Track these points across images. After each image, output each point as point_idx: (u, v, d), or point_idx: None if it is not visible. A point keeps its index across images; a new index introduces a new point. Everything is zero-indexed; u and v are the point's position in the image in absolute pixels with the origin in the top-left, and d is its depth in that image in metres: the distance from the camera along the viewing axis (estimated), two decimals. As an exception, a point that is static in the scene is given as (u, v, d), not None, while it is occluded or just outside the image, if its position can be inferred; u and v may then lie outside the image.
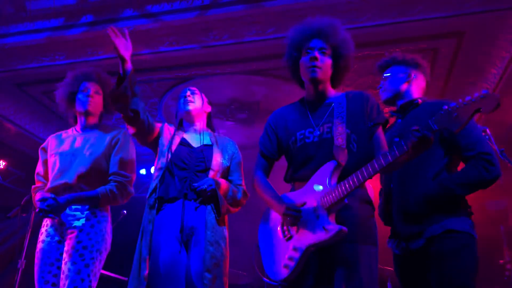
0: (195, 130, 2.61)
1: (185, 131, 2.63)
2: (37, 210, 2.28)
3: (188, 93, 2.65)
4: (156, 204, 2.33)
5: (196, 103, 2.63)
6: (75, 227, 2.26)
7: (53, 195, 2.29)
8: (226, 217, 2.49)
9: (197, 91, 2.69)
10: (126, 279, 4.82)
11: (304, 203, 1.82)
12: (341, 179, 1.75)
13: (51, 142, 2.59)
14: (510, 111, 4.99)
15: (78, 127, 2.61)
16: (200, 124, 2.64)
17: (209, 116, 2.75)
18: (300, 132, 1.95)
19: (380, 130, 1.90)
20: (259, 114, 5.74)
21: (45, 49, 4.57)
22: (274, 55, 4.43)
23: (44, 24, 4.36)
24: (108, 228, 2.38)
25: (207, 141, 2.57)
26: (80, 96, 2.57)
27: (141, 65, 4.82)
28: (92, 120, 2.61)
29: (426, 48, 4.38)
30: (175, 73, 5.01)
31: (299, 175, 1.92)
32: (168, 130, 2.60)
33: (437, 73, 4.75)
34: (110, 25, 4.21)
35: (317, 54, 1.94)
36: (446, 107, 1.54)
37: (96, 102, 2.58)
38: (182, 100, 2.63)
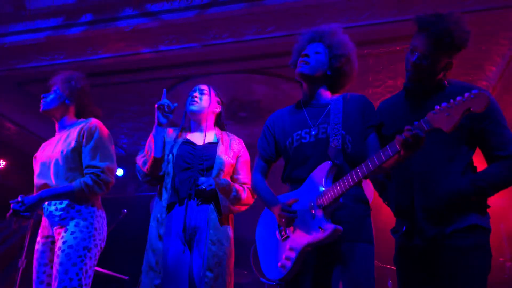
0: (201, 129, 2.60)
1: (191, 130, 2.63)
2: (10, 212, 2.28)
3: (196, 93, 2.63)
4: (164, 214, 2.34)
5: (202, 103, 2.60)
6: (62, 227, 2.26)
7: (22, 195, 2.33)
8: (232, 216, 2.48)
9: (206, 91, 2.65)
10: (126, 278, 4.83)
11: (300, 203, 1.84)
12: (336, 179, 1.77)
13: (40, 150, 2.62)
14: (510, 109, 5.00)
15: (56, 130, 2.63)
16: (207, 123, 2.61)
17: (219, 116, 2.71)
18: (297, 132, 1.98)
19: (374, 133, 1.93)
20: (260, 112, 5.73)
21: (45, 48, 4.57)
22: (274, 53, 4.43)
23: (43, 23, 4.36)
24: (97, 223, 2.34)
25: (212, 139, 2.56)
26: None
27: (141, 64, 4.82)
28: (61, 120, 2.58)
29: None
30: (175, 72, 5.01)
31: (295, 175, 1.95)
32: (170, 134, 2.59)
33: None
34: (109, 24, 4.23)
35: (309, 53, 2.01)
36: (438, 107, 1.55)
37: (50, 100, 2.55)
38: (189, 98, 2.62)
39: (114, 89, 5.34)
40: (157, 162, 2.40)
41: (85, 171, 2.36)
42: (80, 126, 2.48)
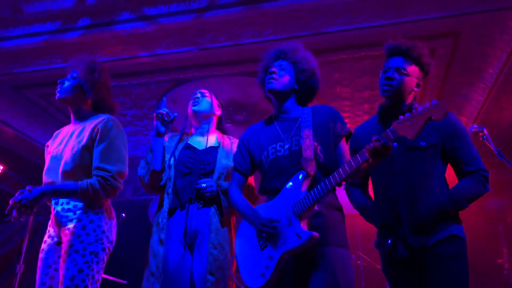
0: (202, 133, 2.61)
1: (193, 134, 2.64)
2: (13, 206, 2.17)
3: (198, 95, 2.66)
4: (165, 219, 2.35)
5: (202, 105, 2.62)
6: (68, 229, 2.17)
7: (31, 185, 2.20)
8: (233, 220, 2.48)
9: (207, 94, 2.69)
10: (125, 282, 4.81)
11: (277, 213, 1.90)
12: (310, 188, 1.84)
13: (52, 138, 2.49)
14: (506, 111, 5.02)
15: (71, 121, 2.48)
16: (207, 126, 2.63)
17: (219, 119, 2.73)
18: (272, 146, 2.06)
19: (343, 142, 2.02)
20: (257, 115, 5.74)
21: (42, 52, 4.57)
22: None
23: (41, 27, 4.36)
24: (105, 226, 2.24)
25: (213, 143, 2.56)
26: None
27: (138, 68, 4.82)
28: (77, 108, 2.43)
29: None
30: (172, 75, 5.01)
31: (271, 186, 2.01)
32: (170, 140, 2.60)
33: (434, 73, 4.76)
34: (107, 28, 4.24)
35: (275, 69, 2.12)
36: (402, 117, 1.68)
37: (67, 88, 2.38)
38: (191, 102, 2.65)
39: (111, 93, 5.35)
40: (157, 175, 2.40)
41: (93, 172, 2.24)
42: (95, 122, 2.33)
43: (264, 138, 2.13)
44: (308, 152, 1.93)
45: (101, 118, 2.35)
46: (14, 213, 2.19)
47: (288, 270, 1.87)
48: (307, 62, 2.14)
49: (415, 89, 2.16)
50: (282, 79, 2.11)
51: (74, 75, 2.42)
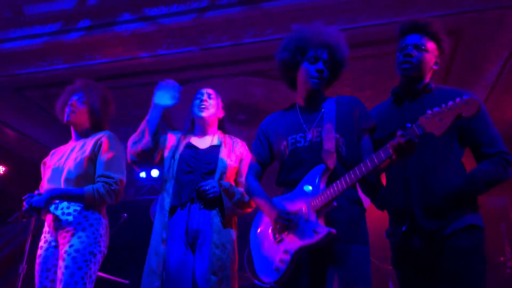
0: (205, 133, 2.61)
1: (195, 134, 2.63)
2: (23, 209, 2.28)
3: (205, 96, 2.61)
4: (166, 218, 2.34)
5: (211, 109, 2.60)
6: (68, 231, 2.27)
7: (38, 191, 2.35)
8: (235, 220, 2.48)
9: (213, 95, 2.65)
10: (127, 282, 4.82)
11: (294, 206, 1.85)
12: (330, 181, 1.79)
13: (50, 156, 2.62)
14: (508, 109, 5.01)
15: (72, 138, 2.64)
16: (211, 128, 2.63)
17: (221, 121, 2.72)
18: (292, 136, 1.99)
19: (367, 135, 1.96)
20: (259, 115, 5.73)
21: (43, 53, 4.57)
22: (273, 56, 4.43)
23: (41, 29, 4.36)
24: (102, 229, 2.36)
25: (215, 142, 2.56)
26: (66, 108, 2.60)
27: (139, 68, 4.82)
28: (81, 129, 2.60)
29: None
30: (173, 76, 4.97)
31: (290, 178, 1.96)
32: (171, 140, 2.59)
33: (435, 71, 4.75)
34: (107, 29, 4.24)
35: (322, 67, 1.99)
36: (430, 111, 1.60)
37: (78, 113, 2.56)
38: (197, 102, 2.61)
39: (112, 94, 5.32)
40: (152, 139, 2.45)
41: (98, 179, 2.38)
42: (97, 136, 2.51)
43: (284, 128, 2.06)
44: (329, 145, 1.86)
45: (102, 132, 2.54)
46: (17, 219, 2.30)
47: (304, 265, 1.81)
48: (346, 62, 2.08)
49: (434, 67, 2.06)
50: (326, 79, 2.03)
51: (85, 99, 2.59)
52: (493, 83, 4.67)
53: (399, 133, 1.60)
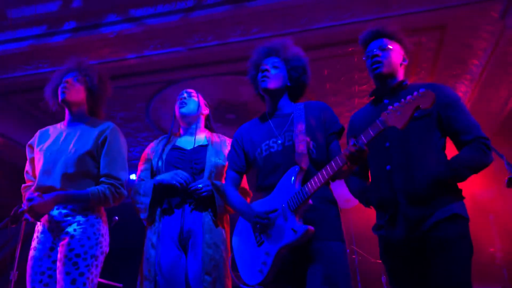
0: (191, 133, 2.60)
1: (181, 135, 2.63)
2: (19, 210, 2.14)
3: (185, 95, 2.64)
4: (157, 223, 2.34)
5: (191, 106, 2.61)
6: (67, 233, 2.14)
7: (39, 192, 2.15)
8: (227, 218, 2.48)
9: (194, 93, 2.68)
10: (121, 285, 4.79)
11: (273, 209, 1.91)
12: (305, 182, 1.86)
13: (37, 138, 2.45)
14: (494, 102, 5.08)
15: (65, 121, 2.46)
16: (195, 126, 2.62)
17: (208, 118, 2.73)
18: (265, 143, 2.08)
19: (335, 139, 2.06)
20: (247, 114, 5.74)
21: (29, 57, 4.52)
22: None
23: (26, 32, 4.31)
24: (103, 229, 2.25)
25: (202, 142, 2.55)
26: (59, 87, 2.40)
27: (126, 70, 4.79)
28: (77, 111, 2.41)
29: (410, 42, 4.42)
30: (161, 77, 4.99)
31: (266, 183, 2.02)
32: (153, 148, 2.58)
33: (421, 66, 4.80)
34: (93, 30, 4.20)
35: (268, 67, 2.13)
36: (391, 107, 1.71)
37: (75, 90, 2.37)
38: (178, 103, 2.63)
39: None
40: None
41: (103, 179, 2.25)
42: (100, 129, 2.34)
43: (257, 135, 2.14)
44: (301, 147, 1.95)
45: (106, 125, 2.37)
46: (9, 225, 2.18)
47: (285, 265, 1.87)
48: (299, 58, 2.17)
49: (403, 63, 2.20)
50: (276, 77, 2.13)
51: (80, 77, 2.41)
52: (478, 76, 4.73)
53: (351, 142, 1.71)
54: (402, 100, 1.69)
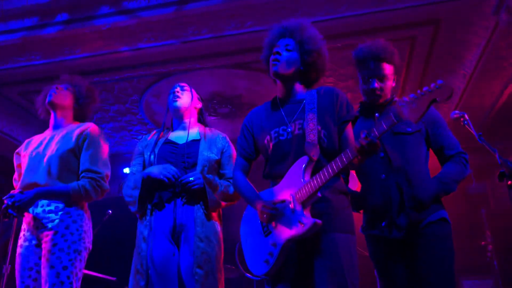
0: (184, 127, 2.59)
1: (174, 129, 2.62)
2: (3, 207, 2.21)
3: (178, 88, 2.62)
4: (148, 216, 2.33)
5: (184, 99, 2.59)
6: (50, 229, 2.21)
7: (20, 190, 2.26)
8: (220, 212, 2.48)
9: (187, 87, 2.66)
10: (114, 279, 4.79)
11: (281, 199, 1.88)
12: (315, 173, 1.81)
13: (24, 146, 2.56)
14: (487, 96, 5.11)
15: (50, 126, 2.58)
16: (189, 120, 2.61)
17: (201, 112, 2.71)
18: (275, 130, 2.01)
19: (349, 127, 1.98)
20: (242, 107, 5.73)
21: (20, 49, 4.47)
22: (254, 48, 4.42)
23: (18, 24, 4.27)
24: (86, 226, 2.32)
25: (194, 136, 2.54)
26: (49, 91, 2.56)
27: (120, 63, 4.76)
28: (62, 115, 2.55)
29: (404, 36, 4.43)
30: (155, 70, 4.96)
31: (275, 171, 1.98)
32: (146, 141, 2.58)
33: (415, 60, 4.81)
34: (86, 23, 4.16)
35: (280, 50, 2.03)
36: (406, 98, 1.62)
37: (63, 95, 2.54)
38: (171, 96, 2.61)
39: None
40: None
41: (83, 174, 2.33)
42: (81, 129, 2.46)
43: (267, 122, 2.07)
44: (311, 136, 1.88)
45: (87, 125, 2.50)
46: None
47: (292, 257, 1.85)
48: (314, 42, 2.04)
49: (393, 84, 2.36)
50: (287, 61, 2.02)
51: (70, 87, 2.59)
52: (471, 71, 4.75)
53: (362, 135, 1.66)
54: (419, 91, 1.61)
